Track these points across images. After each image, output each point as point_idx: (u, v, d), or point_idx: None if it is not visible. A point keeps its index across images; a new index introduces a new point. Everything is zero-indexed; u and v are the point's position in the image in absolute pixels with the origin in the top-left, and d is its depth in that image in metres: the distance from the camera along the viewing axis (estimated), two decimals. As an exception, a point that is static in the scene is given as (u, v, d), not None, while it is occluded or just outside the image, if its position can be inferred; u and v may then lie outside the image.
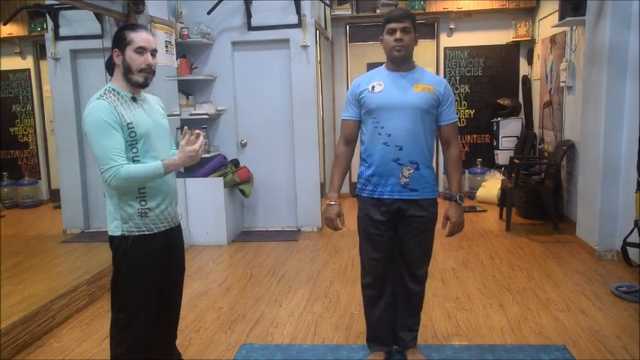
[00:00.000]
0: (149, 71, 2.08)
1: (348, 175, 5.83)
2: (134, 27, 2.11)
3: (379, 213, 2.44)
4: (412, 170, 2.37)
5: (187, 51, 5.18)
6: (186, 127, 2.13)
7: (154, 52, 2.10)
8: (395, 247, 2.52)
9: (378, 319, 2.58)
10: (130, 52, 2.04)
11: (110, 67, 2.13)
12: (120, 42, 2.06)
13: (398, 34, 2.31)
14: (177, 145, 2.14)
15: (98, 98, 2.02)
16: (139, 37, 2.05)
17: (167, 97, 4.60)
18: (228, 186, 4.98)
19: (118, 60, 2.08)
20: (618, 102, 4.02)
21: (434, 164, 2.73)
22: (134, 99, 2.11)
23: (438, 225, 2.52)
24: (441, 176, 6.43)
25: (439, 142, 2.56)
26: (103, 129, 1.96)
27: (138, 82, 2.08)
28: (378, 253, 2.48)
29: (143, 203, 2.09)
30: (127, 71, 2.06)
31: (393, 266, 2.55)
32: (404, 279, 2.54)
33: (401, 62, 2.38)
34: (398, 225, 2.49)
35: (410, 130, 2.35)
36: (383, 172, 2.40)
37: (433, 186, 2.46)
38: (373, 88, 2.39)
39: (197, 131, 2.12)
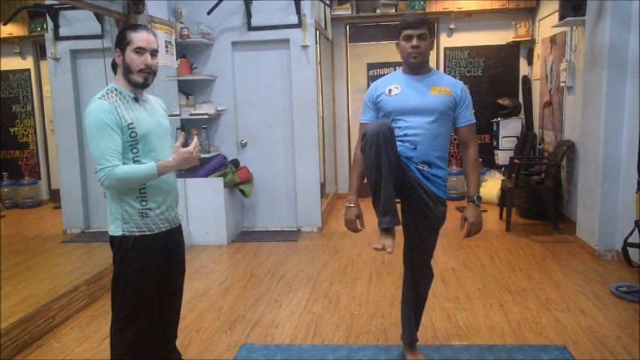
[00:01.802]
0: (148, 72, 2.08)
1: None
2: (136, 27, 2.10)
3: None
4: (426, 168, 2.37)
5: (187, 51, 5.18)
6: (184, 132, 2.13)
7: (154, 53, 2.10)
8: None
9: (385, 191, 2.24)
10: (129, 53, 2.05)
11: (114, 66, 2.14)
12: (120, 42, 2.06)
13: (415, 41, 2.32)
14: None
15: (100, 98, 2.02)
16: (138, 38, 2.05)
17: (167, 97, 4.59)
18: (228, 186, 4.98)
19: (118, 60, 2.08)
20: (618, 102, 4.02)
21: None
22: (136, 99, 2.11)
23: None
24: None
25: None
26: (101, 129, 1.96)
27: (137, 82, 2.07)
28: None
29: (144, 203, 2.09)
30: (127, 71, 2.07)
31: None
32: (414, 266, 2.54)
33: (418, 67, 2.40)
34: (405, 207, 2.44)
35: (427, 131, 2.34)
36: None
37: (444, 187, 2.45)
38: (390, 91, 2.40)
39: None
